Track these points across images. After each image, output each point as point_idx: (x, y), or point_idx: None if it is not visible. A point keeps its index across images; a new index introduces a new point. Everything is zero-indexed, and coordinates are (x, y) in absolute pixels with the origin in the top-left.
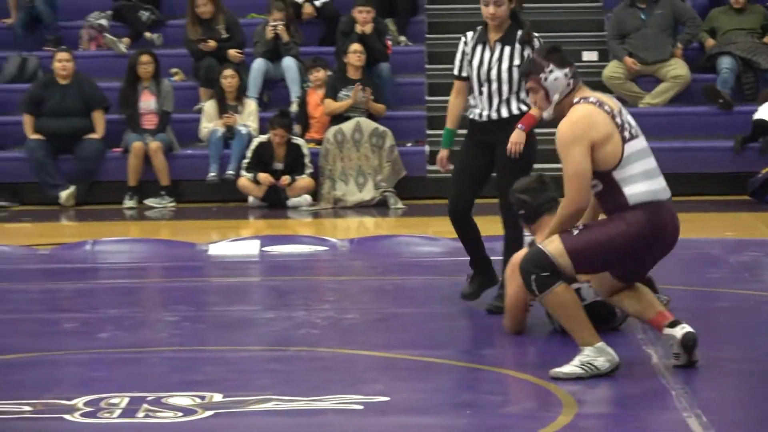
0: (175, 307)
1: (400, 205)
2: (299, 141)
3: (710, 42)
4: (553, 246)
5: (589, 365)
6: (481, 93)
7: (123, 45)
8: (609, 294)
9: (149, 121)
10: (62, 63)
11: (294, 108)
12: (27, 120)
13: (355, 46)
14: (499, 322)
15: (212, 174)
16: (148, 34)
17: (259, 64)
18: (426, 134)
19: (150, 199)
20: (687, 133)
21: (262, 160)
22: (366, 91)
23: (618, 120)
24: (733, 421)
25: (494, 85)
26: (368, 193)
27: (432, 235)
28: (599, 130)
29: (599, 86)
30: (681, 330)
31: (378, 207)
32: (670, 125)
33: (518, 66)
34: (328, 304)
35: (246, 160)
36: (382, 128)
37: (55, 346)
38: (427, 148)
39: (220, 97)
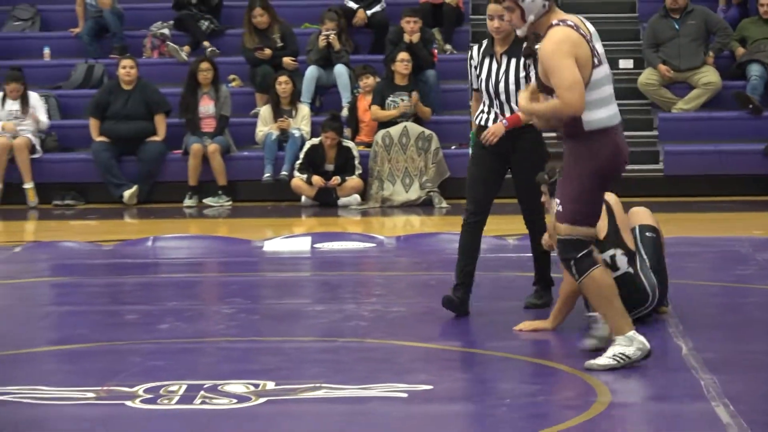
0: (231, 300)
1: (444, 204)
2: (349, 144)
3: (740, 50)
4: (562, 229)
5: (621, 356)
6: (492, 105)
7: (184, 53)
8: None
9: (208, 125)
10: (126, 69)
11: (345, 113)
12: (93, 123)
13: (403, 55)
14: (536, 315)
15: (267, 175)
16: (206, 44)
17: (311, 71)
18: (469, 137)
19: (208, 198)
20: (717, 137)
21: (314, 161)
22: (413, 96)
23: (591, 44)
24: (760, 410)
25: (503, 97)
26: (414, 193)
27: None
28: (580, 51)
29: (635, 92)
30: None
31: (423, 206)
32: (701, 129)
33: (525, 78)
34: (376, 298)
35: (299, 162)
36: (427, 132)
37: (117, 337)
38: (470, 150)
39: (275, 102)
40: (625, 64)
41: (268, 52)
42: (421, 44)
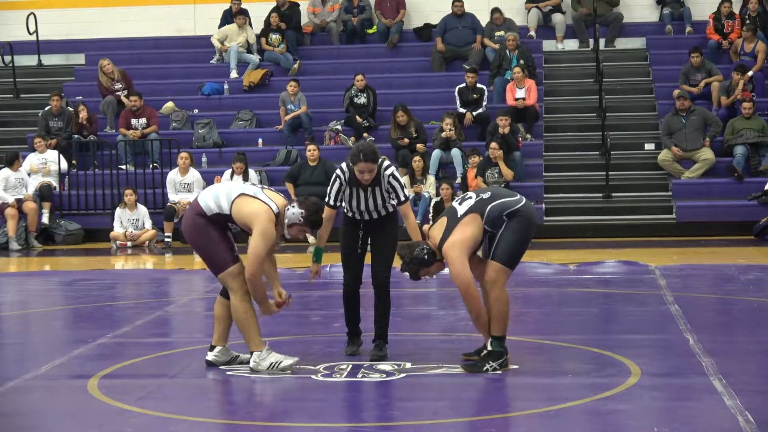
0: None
1: None
2: None
3: (729, 136)
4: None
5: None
6: (359, 216)
7: (350, 141)
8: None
9: None
10: (311, 152)
11: (458, 180)
12: (289, 187)
13: (494, 144)
14: (587, 312)
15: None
16: (366, 135)
17: (436, 153)
18: (543, 197)
19: None
20: (713, 196)
21: (438, 213)
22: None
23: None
24: (744, 382)
25: (371, 209)
26: None
27: (546, 262)
28: None
29: (656, 166)
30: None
31: None
32: (701, 191)
33: (386, 198)
34: None
35: (430, 215)
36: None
37: (305, 332)
38: (543, 206)
39: (412, 173)
40: (649, 146)
41: (406, 140)
42: (510, 135)
